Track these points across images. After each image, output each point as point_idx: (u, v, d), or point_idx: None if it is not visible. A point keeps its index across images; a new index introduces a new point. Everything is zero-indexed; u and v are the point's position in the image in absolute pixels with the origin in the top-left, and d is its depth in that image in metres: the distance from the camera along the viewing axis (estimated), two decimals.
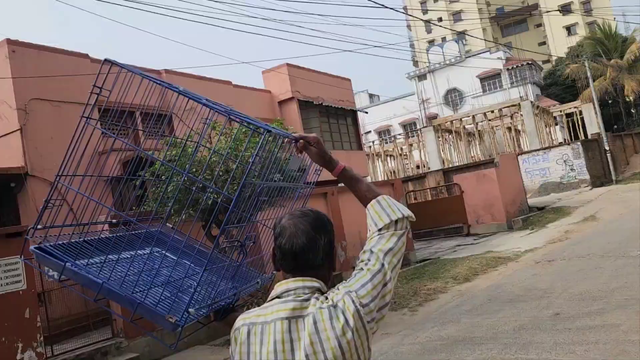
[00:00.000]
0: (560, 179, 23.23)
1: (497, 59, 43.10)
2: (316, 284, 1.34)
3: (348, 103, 17.10)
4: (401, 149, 35.11)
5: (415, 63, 60.14)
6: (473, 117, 26.68)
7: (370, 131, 41.20)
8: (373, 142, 35.36)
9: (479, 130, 32.12)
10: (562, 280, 7.84)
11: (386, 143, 39.59)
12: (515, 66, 43.01)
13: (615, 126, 39.38)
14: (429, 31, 79.39)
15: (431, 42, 65.23)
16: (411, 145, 35.34)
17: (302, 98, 15.00)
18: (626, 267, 7.79)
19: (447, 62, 45.68)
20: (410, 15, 60.41)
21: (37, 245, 1.51)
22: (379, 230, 1.39)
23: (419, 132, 30.73)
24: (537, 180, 23.67)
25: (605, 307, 5.98)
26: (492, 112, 27.10)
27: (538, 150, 23.88)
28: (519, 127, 34.32)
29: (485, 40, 45.51)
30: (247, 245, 1.58)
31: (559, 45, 64.16)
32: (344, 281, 1.34)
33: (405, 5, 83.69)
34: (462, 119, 27.83)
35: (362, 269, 1.34)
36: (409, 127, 46.04)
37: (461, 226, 17.27)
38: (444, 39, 58.51)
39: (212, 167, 6.67)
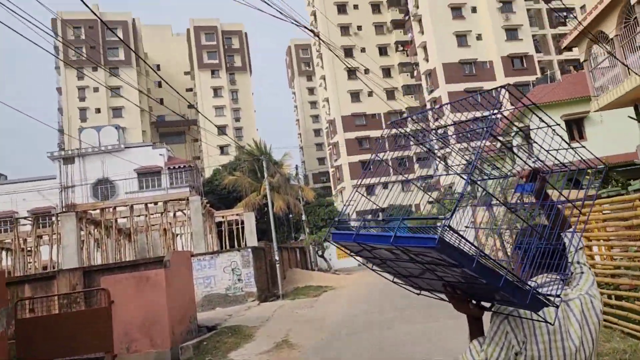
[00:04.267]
0: (227, 290, 19.85)
1: (159, 155, 39.81)
2: (559, 277, 1.90)
3: None
4: (24, 240, 26.24)
5: (62, 148, 51.69)
6: (131, 207, 21.50)
7: None
8: None
9: (134, 228, 26.77)
10: None
11: (4, 232, 29.77)
12: (177, 166, 40.43)
13: (266, 239, 40.57)
14: (83, 119, 71.78)
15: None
16: (40, 237, 26.89)
17: None
18: None
19: (103, 148, 39.71)
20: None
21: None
22: (577, 249, 2.00)
23: (55, 220, 23.31)
24: (201, 291, 19.63)
25: None
26: (156, 204, 22.61)
27: (205, 254, 20.20)
28: (177, 230, 30.58)
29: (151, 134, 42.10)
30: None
31: (212, 161, 66.63)
32: (575, 280, 1.96)
33: (60, 87, 74.91)
34: (117, 209, 22.24)
35: (583, 272, 1.97)
36: (43, 219, 36.74)
37: (102, 357, 11.22)
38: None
39: None
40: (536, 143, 2.03)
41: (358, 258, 1.94)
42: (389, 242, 1.53)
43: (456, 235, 1.56)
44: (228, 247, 29.19)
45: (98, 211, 22.88)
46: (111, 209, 22.09)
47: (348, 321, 12.69)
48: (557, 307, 1.67)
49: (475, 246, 1.56)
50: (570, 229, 2.01)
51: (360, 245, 1.70)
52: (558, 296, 1.68)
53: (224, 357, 10.57)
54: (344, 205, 2.00)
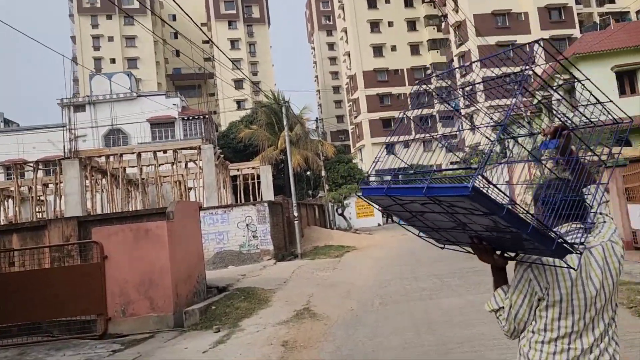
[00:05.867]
0: (240, 247, 18.24)
1: (173, 105, 37.86)
2: (582, 225, 1.97)
3: None
4: (29, 188, 24.93)
5: (76, 96, 50.06)
6: (139, 154, 19.78)
7: None
8: None
9: (143, 179, 25.20)
10: None
11: (10, 179, 28.55)
12: (191, 117, 38.55)
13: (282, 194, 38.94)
14: (98, 69, 69.87)
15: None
16: (46, 185, 25.56)
17: None
18: None
19: (115, 96, 37.86)
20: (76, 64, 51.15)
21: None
22: (600, 203, 2.04)
23: (57, 167, 21.75)
24: (213, 247, 18.07)
25: None
26: (165, 152, 20.88)
27: (218, 207, 18.52)
28: (191, 184, 29.02)
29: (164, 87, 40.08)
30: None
31: (229, 116, 64.75)
32: (597, 229, 2.01)
33: (75, 35, 72.70)
34: (123, 156, 20.54)
35: (605, 221, 2.04)
36: (48, 166, 35.40)
37: (94, 319, 9.68)
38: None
39: None
40: (565, 100, 2.07)
41: (384, 211, 1.96)
42: (422, 193, 1.55)
43: (488, 184, 1.60)
44: (243, 202, 27.57)
45: (104, 159, 21.27)
46: (117, 157, 20.40)
47: (379, 288, 10.92)
48: (581, 253, 1.75)
49: (506, 194, 1.63)
50: (594, 183, 2.08)
51: (392, 198, 1.73)
52: (582, 244, 1.75)
53: (234, 325, 8.92)
54: (374, 161, 1.99)
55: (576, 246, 1.72)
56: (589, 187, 2.07)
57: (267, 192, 26.95)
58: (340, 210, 32.73)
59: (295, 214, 19.66)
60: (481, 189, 1.52)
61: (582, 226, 1.94)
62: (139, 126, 37.01)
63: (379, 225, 36.32)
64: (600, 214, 2.07)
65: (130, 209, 24.51)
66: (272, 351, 6.90)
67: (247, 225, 18.30)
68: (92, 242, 9.86)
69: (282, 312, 9.50)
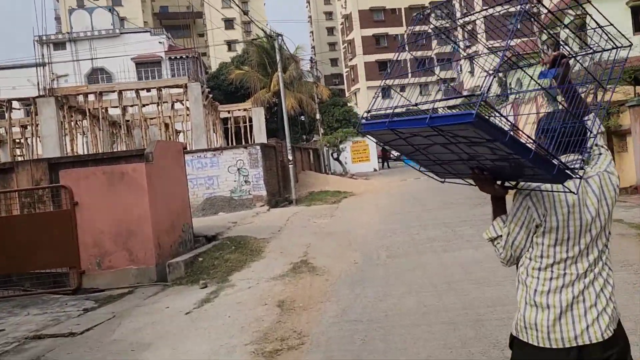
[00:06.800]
0: (232, 192, 17.15)
1: (159, 42, 35.72)
2: (581, 156, 1.94)
3: None
4: (6, 130, 23.46)
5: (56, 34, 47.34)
6: (120, 92, 18.25)
7: None
8: None
9: (127, 120, 23.74)
10: None
11: None
12: (179, 56, 36.49)
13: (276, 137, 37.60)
14: (81, 6, 66.25)
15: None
16: (25, 127, 24.09)
17: None
18: None
19: (97, 33, 35.57)
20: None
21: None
22: (595, 135, 1.97)
23: (33, 106, 20.18)
24: (202, 193, 16.97)
25: None
26: (149, 91, 19.39)
27: (207, 150, 17.27)
28: (180, 127, 27.61)
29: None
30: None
31: (220, 57, 62.16)
32: (594, 161, 2.02)
33: None
34: (103, 94, 19.00)
35: (601, 153, 2.05)
36: (24, 106, 33.53)
37: (66, 273, 8.66)
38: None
39: None
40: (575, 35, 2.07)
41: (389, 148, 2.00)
42: (425, 124, 1.54)
43: (490, 110, 1.63)
44: (234, 145, 26.28)
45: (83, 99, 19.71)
46: (97, 95, 18.86)
47: (384, 237, 9.93)
48: (581, 177, 1.76)
49: (508, 120, 1.66)
50: (591, 114, 2.04)
51: (394, 132, 1.71)
52: (582, 168, 1.81)
53: (223, 280, 7.93)
54: (374, 96, 1.97)
55: (576, 171, 1.74)
56: (587, 117, 2.04)
57: (260, 135, 25.65)
58: (335, 155, 31.60)
59: (290, 157, 18.51)
60: (484, 115, 1.53)
61: (580, 156, 1.96)
62: (124, 66, 34.99)
63: (375, 170, 35.35)
64: (596, 145, 2.10)
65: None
66: (267, 313, 5.91)
67: (238, 169, 17.15)
68: (60, 187, 8.69)
69: (276, 264, 8.51)
